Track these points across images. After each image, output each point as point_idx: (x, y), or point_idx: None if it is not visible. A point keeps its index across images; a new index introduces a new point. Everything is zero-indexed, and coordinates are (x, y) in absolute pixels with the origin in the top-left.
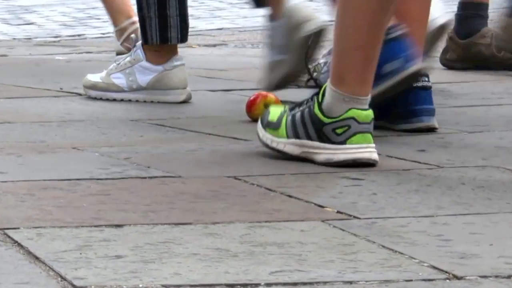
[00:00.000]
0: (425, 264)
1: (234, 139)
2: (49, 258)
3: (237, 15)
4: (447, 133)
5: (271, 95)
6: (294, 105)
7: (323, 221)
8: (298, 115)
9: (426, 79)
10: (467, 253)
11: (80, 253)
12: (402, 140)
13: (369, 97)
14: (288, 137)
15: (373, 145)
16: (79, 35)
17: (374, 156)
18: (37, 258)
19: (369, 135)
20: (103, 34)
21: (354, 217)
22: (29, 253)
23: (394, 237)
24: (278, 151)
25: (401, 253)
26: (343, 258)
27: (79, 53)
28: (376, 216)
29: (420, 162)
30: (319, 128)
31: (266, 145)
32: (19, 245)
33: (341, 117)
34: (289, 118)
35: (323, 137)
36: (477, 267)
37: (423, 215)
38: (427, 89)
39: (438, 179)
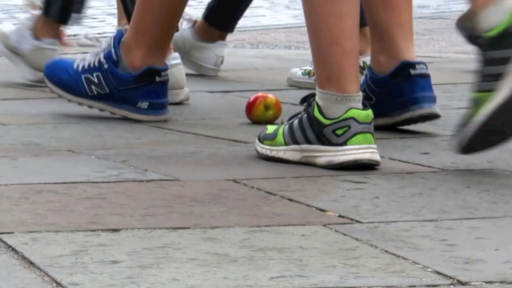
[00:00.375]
0: (429, 270)
1: (233, 141)
2: (44, 263)
3: None
4: (452, 136)
5: (271, 97)
6: (291, 117)
7: (324, 225)
8: (295, 122)
9: (424, 66)
10: (472, 258)
11: (76, 258)
12: (405, 143)
13: (360, 94)
14: (286, 144)
15: (375, 145)
16: (74, 35)
17: (376, 157)
18: (31, 263)
19: (370, 135)
20: (99, 34)
21: (356, 221)
22: (24, 258)
23: (397, 241)
24: (279, 159)
25: (405, 258)
26: (345, 263)
27: (74, 53)
28: (378, 220)
29: (423, 165)
30: (319, 130)
31: (266, 156)
32: (13, 250)
33: (341, 118)
34: (286, 126)
35: (323, 140)
36: (482, 272)
37: (427, 219)
38: (426, 76)
39: (442, 182)
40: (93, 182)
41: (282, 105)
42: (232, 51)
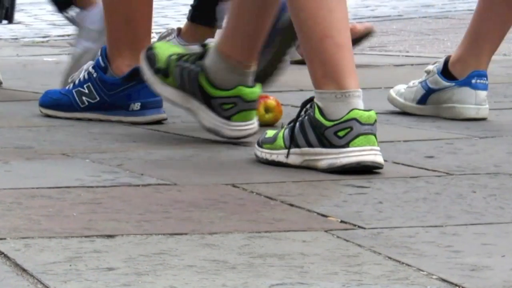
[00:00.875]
0: (434, 277)
1: (232, 144)
2: (37, 270)
3: None
4: (457, 139)
5: (272, 99)
6: (292, 120)
7: (326, 231)
8: (296, 125)
9: None
10: (478, 265)
11: (70, 265)
12: (409, 146)
13: (360, 90)
14: (286, 147)
15: (378, 147)
16: (68, 35)
17: (379, 159)
18: (24, 270)
19: (373, 137)
20: None
21: (359, 227)
22: (16, 265)
23: (401, 248)
24: (279, 163)
25: (409, 265)
26: (347, 270)
27: (68, 54)
28: (382, 226)
29: (428, 169)
30: (320, 132)
31: (266, 160)
32: (6, 256)
33: (343, 119)
34: (287, 130)
35: (324, 142)
36: (489, 279)
37: (431, 224)
38: None
39: (447, 187)
40: (88, 187)
41: (283, 107)
42: None
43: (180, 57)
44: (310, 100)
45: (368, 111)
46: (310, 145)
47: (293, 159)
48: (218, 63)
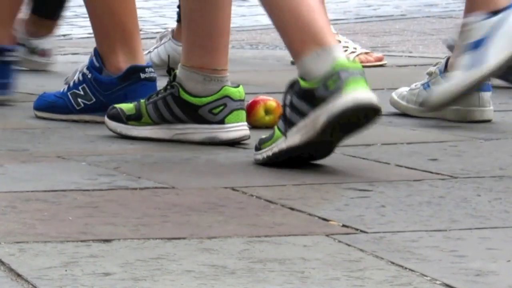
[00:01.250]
0: (438, 282)
1: (231, 147)
2: (32, 276)
3: (234, 13)
4: (461, 141)
5: (272, 100)
6: (280, 115)
7: (327, 235)
8: (287, 110)
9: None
10: (483, 270)
11: (66, 270)
12: (412, 149)
13: (341, 45)
14: (284, 134)
15: (369, 90)
16: (64, 35)
17: (374, 99)
18: (19, 275)
19: (362, 80)
20: (90, 34)
21: (361, 231)
22: (11, 270)
23: (404, 252)
24: (280, 153)
25: (412, 270)
26: (349, 275)
27: (64, 54)
28: (384, 230)
29: (432, 172)
30: (312, 97)
31: (268, 159)
32: (0, 261)
33: (327, 73)
34: (280, 120)
35: (316, 103)
36: (494, 285)
37: (435, 229)
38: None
39: (451, 190)
40: (84, 190)
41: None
42: (230, 52)
43: (148, 97)
44: (293, 83)
45: (349, 60)
46: (303, 115)
47: (293, 140)
48: (194, 77)
